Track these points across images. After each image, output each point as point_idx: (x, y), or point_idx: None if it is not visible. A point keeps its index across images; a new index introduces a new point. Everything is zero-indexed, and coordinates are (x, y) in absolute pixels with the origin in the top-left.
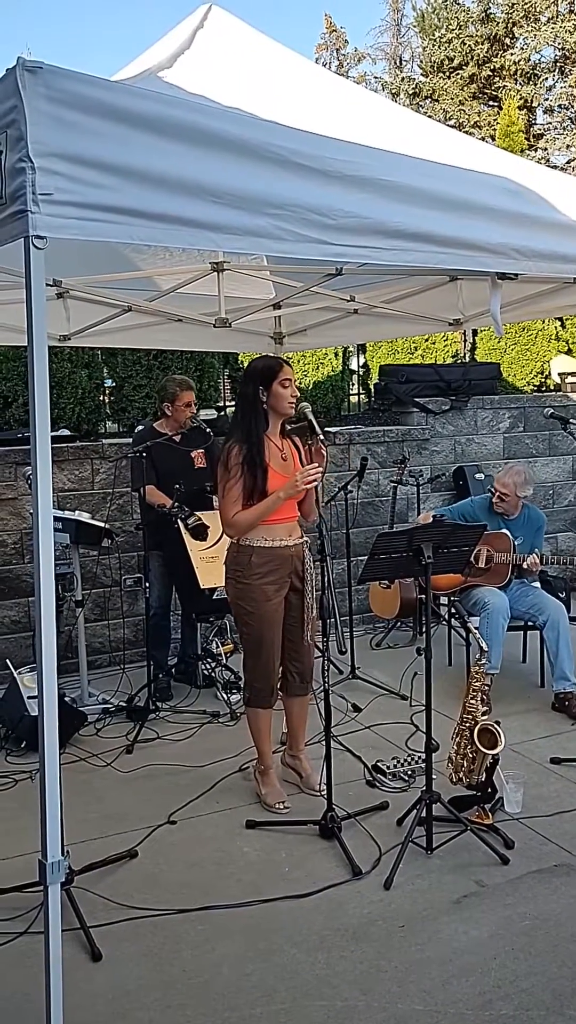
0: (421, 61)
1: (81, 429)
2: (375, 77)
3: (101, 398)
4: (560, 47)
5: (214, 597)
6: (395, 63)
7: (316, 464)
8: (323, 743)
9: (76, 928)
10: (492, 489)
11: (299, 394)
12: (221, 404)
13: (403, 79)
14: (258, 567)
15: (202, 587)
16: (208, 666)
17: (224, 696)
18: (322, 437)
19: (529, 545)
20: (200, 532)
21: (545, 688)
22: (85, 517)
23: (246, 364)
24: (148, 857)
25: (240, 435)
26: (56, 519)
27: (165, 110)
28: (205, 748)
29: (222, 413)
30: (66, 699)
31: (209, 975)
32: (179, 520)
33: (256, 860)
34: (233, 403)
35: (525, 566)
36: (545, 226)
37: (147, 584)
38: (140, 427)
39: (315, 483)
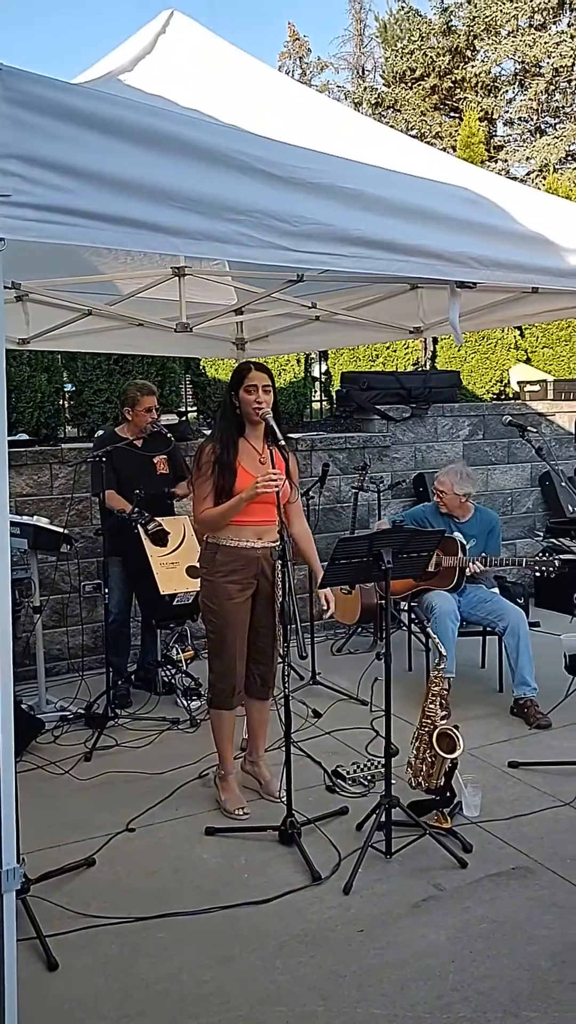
0: (383, 71)
1: (40, 433)
2: (338, 86)
3: (61, 402)
4: (520, 60)
5: (174, 603)
6: (358, 73)
7: (278, 470)
8: (283, 749)
9: (32, 937)
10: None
11: (266, 399)
12: (183, 409)
13: (366, 89)
14: (222, 565)
15: (162, 593)
16: (168, 673)
17: (184, 703)
18: (283, 443)
19: (482, 547)
20: (160, 538)
21: (504, 693)
22: (44, 522)
23: (208, 370)
24: (106, 865)
25: (215, 436)
26: (13, 524)
27: (125, 113)
28: (164, 755)
29: (183, 418)
30: (23, 706)
31: (167, 983)
32: (139, 525)
33: (215, 867)
34: (194, 408)
35: (468, 572)
36: (503, 236)
37: (106, 590)
38: (100, 432)
39: (276, 488)
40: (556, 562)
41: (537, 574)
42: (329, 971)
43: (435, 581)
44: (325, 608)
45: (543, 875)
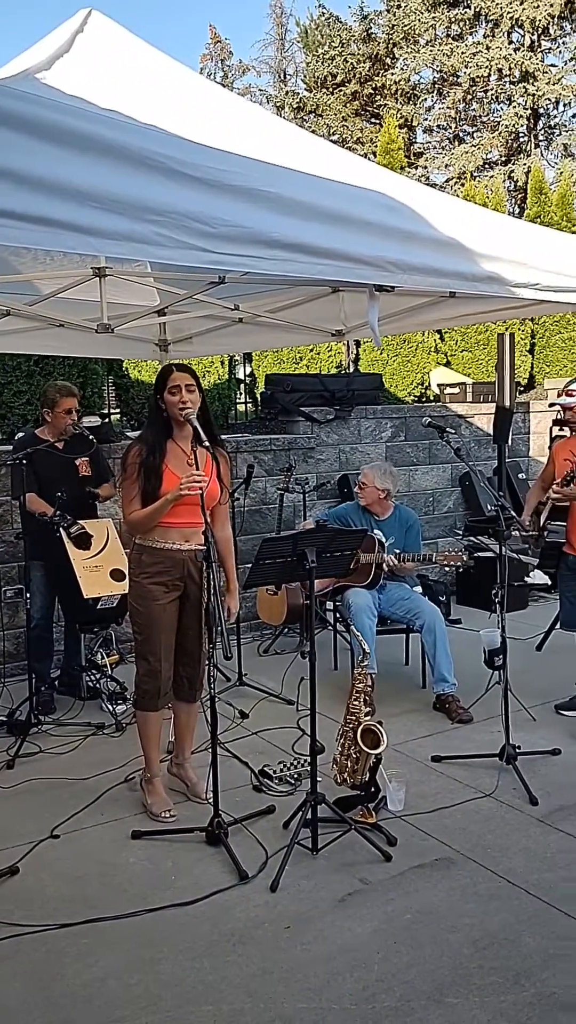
0: (305, 76)
1: None
2: (260, 90)
3: None
4: (438, 69)
5: (98, 607)
6: (279, 77)
7: (203, 472)
8: (210, 750)
9: None
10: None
11: (190, 399)
12: (105, 411)
13: (287, 93)
14: (148, 567)
15: (86, 596)
16: (93, 677)
17: (109, 707)
18: (207, 444)
19: (401, 544)
20: (83, 541)
21: (427, 689)
22: None
23: (131, 371)
24: (30, 873)
25: (143, 439)
26: None
27: (43, 112)
28: (89, 760)
29: (106, 420)
30: None
31: (93, 988)
32: (61, 529)
33: (142, 870)
34: (117, 410)
35: (386, 568)
36: (421, 241)
37: (28, 595)
38: (21, 434)
39: (199, 489)
40: (464, 557)
41: (447, 570)
42: (256, 968)
43: (352, 578)
44: (227, 616)
45: (465, 865)
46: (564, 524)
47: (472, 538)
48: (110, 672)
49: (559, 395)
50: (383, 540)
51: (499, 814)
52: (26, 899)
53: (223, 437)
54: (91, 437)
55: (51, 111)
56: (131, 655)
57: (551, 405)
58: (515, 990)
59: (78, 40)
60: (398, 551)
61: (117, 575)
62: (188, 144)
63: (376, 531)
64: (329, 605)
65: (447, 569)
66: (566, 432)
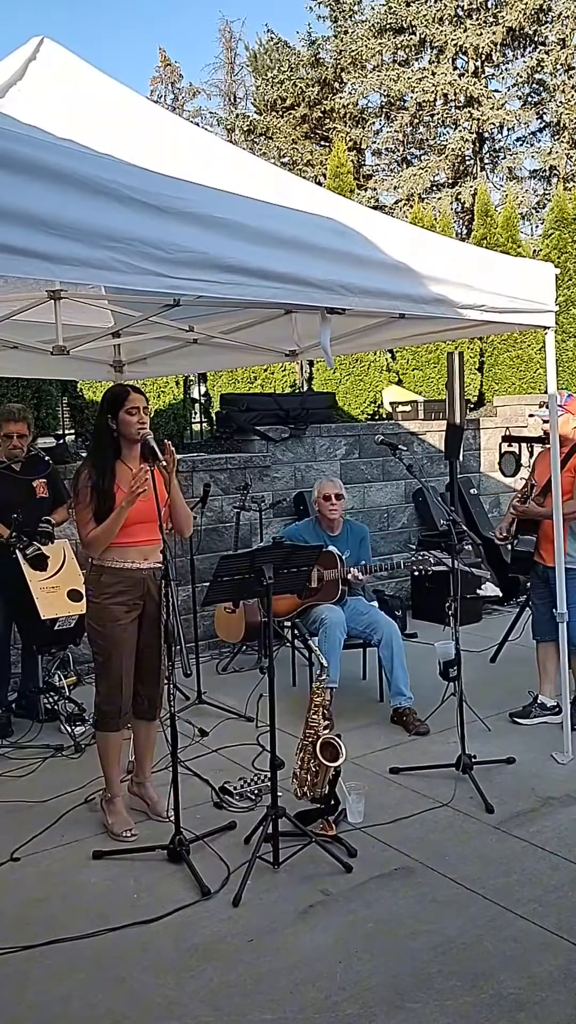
0: (255, 99)
1: None
2: (210, 112)
3: None
4: (386, 94)
5: (56, 628)
6: (230, 100)
7: (144, 468)
8: (170, 769)
9: None
10: (315, 506)
11: (145, 420)
12: (60, 432)
13: (238, 116)
14: (107, 587)
15: (43, 617)
16: (51, 699)
17: (68, 729)
18: (163, 463)
19: (355, 557)
20: (39, 562)
21: (384, 703)
22: None
23: (85, 392)
24: None
25: (91, 460)
26: None
27: (1, 143)
28: (49, 782)
29: (61, 441)
30: None
31: (57, 1008)
32: (17, 550)
33: (104, 890)
34: (72, 431)
35: (350, 579)
36: (370, 265)
37: None
38: None
39: (146, 487)
40: (431, 560)
41: (416, 574)
42: (220, 982)
43: (319, 596)
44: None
45: (424, 874)
46: (533, 536)
47: (425, 552)
48: (68, 693)
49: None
50: (341, 555)
51: (456, 823)
52: None
53: (179, 457)
54: (47, 458)
55: (7, 140)
56: (89, 676)
57: (531, 415)
58: (474, 992)
59: (31, 68)
60: (363, 563)
61: (74, 595)
62: (142, 172)
63: (331, 547)
64: (287, 622)
65: (416, 573)
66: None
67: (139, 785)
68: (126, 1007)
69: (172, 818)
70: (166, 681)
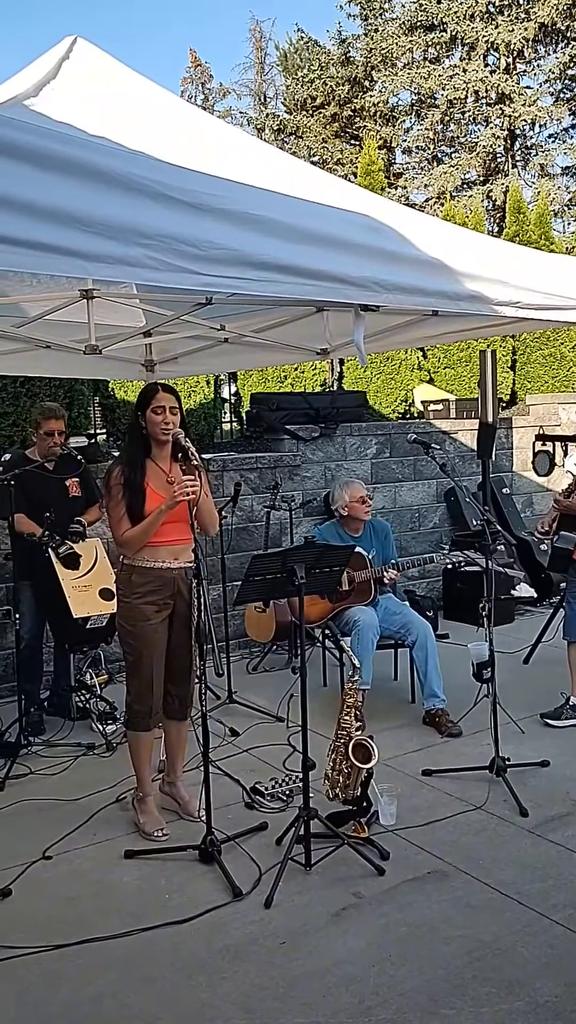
0: (285, 99)
1: None
2: (240, 112)
3: None
4: (416, 92)
5: (88, 626)
6: (260, 99)
7: (192, 476)
8: (201, 768)
9: None
10: (342, 509)
11: (173, 420)
12: (92, 431)
13: (268, 115)
14: (138, 587)
15: (75, 616)
16: (82, 698)
17: (99, 727)
18: (196, 462)
19: (382, 556)
20: (72, 561)
21: (416, 704)
22: None
23: (117, 392)
24: (22, 895)
25: (123, 459)
26: None
27: (32, 139)
28: (80, 781)
29: (93, 440)
30: None
31: (89, 1009)
32: (50, 549)
33: (135, 890)
34: (103, 430)
35: (386, 580)
36: (404, 261)
37: (17, 615)
38: (8, 455)
39: (192, 494)
40: (462, 556)
41: (449, 566)
42: (252, 984)
43: (352, 599)
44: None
45: (457, 877)
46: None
47: (458, 552)
48: (99, 692)
49: None
50: (368, 556)
51: (490, 826)
52: (19, 921)
53: (209, 456)
54: (79, 457)
55: (40, 138)
56: (120, 675)
57: None
58: (509, 999)
59: (64, 67)
60: (394, 561)
61: (106, 594)
62: (175, 169)
63: (358, 548)
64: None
65: (450, 566)
66: None
67: (170, 785)
68: (158, 1008)
69: (203, 818)
70: (198, 680)
